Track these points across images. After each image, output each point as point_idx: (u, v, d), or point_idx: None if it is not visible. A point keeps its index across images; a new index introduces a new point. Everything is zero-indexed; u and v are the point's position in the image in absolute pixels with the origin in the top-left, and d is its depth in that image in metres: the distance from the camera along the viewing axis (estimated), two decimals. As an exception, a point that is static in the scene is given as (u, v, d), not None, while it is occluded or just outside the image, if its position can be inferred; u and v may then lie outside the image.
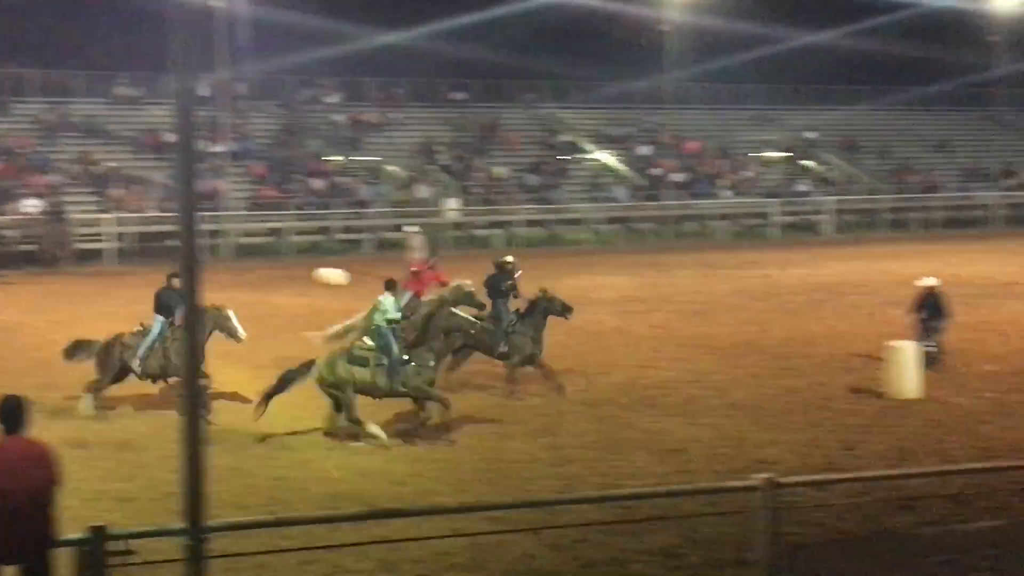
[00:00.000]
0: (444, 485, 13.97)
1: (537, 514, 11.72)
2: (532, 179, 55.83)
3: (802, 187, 59.70)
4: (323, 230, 48.97)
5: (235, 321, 18.24)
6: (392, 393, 16.57)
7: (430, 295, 20.47)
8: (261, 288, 34.24)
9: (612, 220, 53.92)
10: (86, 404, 17.86)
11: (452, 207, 51.26)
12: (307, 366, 16.88)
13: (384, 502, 12.82)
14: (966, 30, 71.63)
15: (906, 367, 18.59)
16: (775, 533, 7.68)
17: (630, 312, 28.84)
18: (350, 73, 59.54)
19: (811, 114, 66.09)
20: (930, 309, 20.54)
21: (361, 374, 16.39)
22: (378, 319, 16.92)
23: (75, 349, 18.48)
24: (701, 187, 57.36)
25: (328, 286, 34.44)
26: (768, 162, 62.48)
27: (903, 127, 68.56)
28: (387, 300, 17.22)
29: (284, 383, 16.86)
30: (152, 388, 18.36)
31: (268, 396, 16.80)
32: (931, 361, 19.70)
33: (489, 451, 15.66)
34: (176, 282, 18.05)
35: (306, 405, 17.12)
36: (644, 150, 59.96)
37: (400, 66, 60.30)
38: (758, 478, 7.76)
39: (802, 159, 62.93)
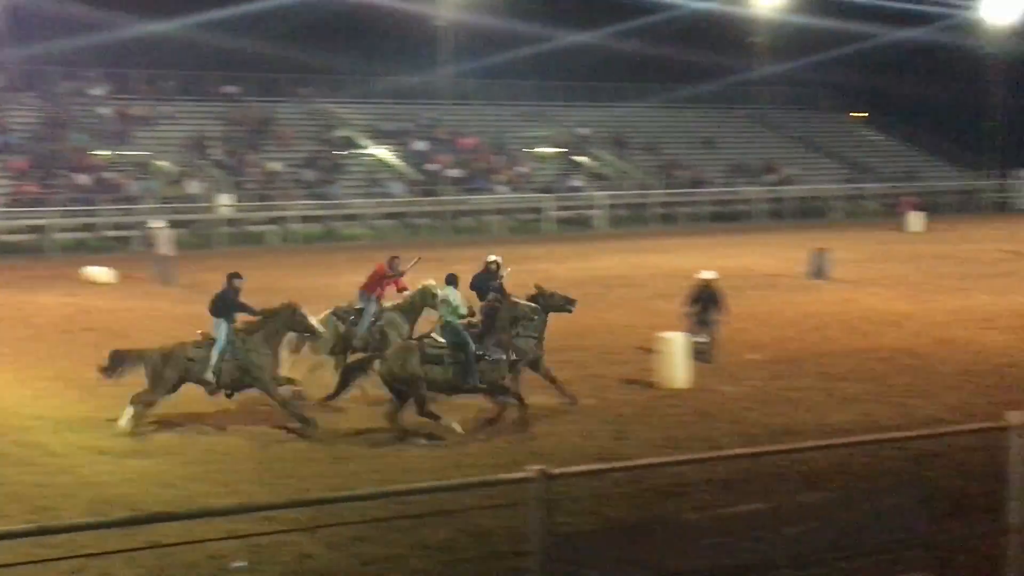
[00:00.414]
0: (218, 487, 13.65)
1: (314, 513, 11.57)
2: (308, 174, 55.25)
3: (575, 182, 60.82)
4: (89, 227, 47.32)
5: (310, 318, 17.01)
6: (469, 389, 16.21)
7: (389, 299, 19.53)
8: (25, 288, 32.93)
9: (389, 215, 53.84)
10: (125, 418, 16.06)
11: (225, 203, 50.26)
12: (369, 361, 16.44)
13: (155, 506, 12.44)
14: (729, 32, 74.40)
15: (676, 358, 19.12)
16: (549, 523, 7.76)
17: (407, 307, 28.77)
18: (117, 64, 57.69)
19: (583, 111, 67.43)
20: (706, 302, 21.14)
21: (435, 372, 15.98)
22: (447, 314, 16.44)
23: (117, 362, 16.62)
24: (477, 182, 57.82)
25: (96, 285, 33.37)
26: (542, 158, 63.42)
27: (671, 124, 70.67)
28: (452, 294, 16.72)
29: (347, 380, 16.46)
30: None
31: (333, 396, 16.50)
32: (702, 352, 20.32)
33: (265, 451, 15.40)
34: (238, 283, 16.91)
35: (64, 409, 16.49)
36: (420, 145, 60.06)
37: (169, 57, 58.82)
38: (531, 469, 7.83)
39: (575, 155, 64.09)
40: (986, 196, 70.81)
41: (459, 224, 54.51)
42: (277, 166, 55.08)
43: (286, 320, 16.61)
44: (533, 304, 17.46)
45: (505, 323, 16.66)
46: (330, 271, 37.43)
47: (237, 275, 17.03)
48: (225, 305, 16.70)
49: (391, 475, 13.98)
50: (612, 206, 58.23)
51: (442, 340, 16.24)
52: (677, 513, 10.38)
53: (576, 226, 56.32)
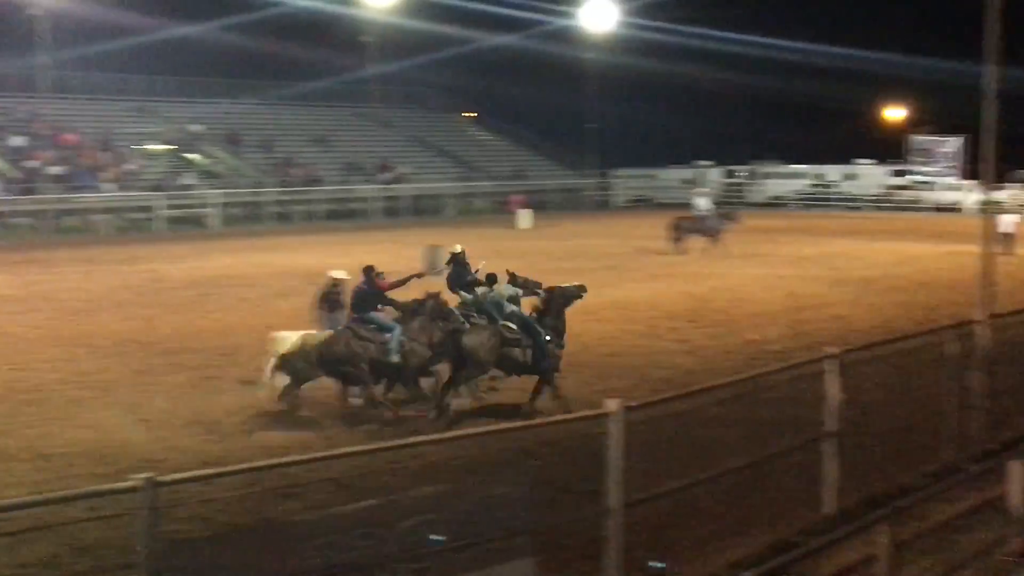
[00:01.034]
0: None
1: None
2: None
3: (187, 180, 59.42)
4: None
5: (451, 306, 16.88)
6: (539, 372, 16.58)
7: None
8: None
9: (-16, 216, 50.81)
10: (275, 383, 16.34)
11: None
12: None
13: None
14: (341, 30, 74.87)
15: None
16: (157, 532, 7.53)
17: (5, 312, 27.30)
18: None
19: (194, 107, 66.05)
20: (334, 302, 20.94)
21: (515, 354, 16.44)
22: (507, 305, 16.64)
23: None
24: (82, 180, 55.41)
25: None
26: (152, 155, 61.58)
27: (285, 122, 70.29)
28: (507, 288, 17.06)
29: (439, 356, 16.72)
30: None
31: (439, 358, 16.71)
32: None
33: None
34: (375, 275, 16.74)
35: None
36: (17, 141, 56.99)
37: None
38: (137, 478, 7.57)
39: (186, 152, 62.62)
40: (588, 194, 74.69)
41: (63, 224, 52.12)
42: None
43: (434, 310, 16.67)
44: (579, 284, 17.97)
45: (560, 308, 17.09)
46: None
47: (372, 268, 17.30)
48: (369, 299, 16.85)
49: (-13, 491, 13.12)
50: (226, 204, 57.33)
51: (513, 326, 16.59)
52: (291, 514, 10.30)
53: (189, 225, 55.09)
